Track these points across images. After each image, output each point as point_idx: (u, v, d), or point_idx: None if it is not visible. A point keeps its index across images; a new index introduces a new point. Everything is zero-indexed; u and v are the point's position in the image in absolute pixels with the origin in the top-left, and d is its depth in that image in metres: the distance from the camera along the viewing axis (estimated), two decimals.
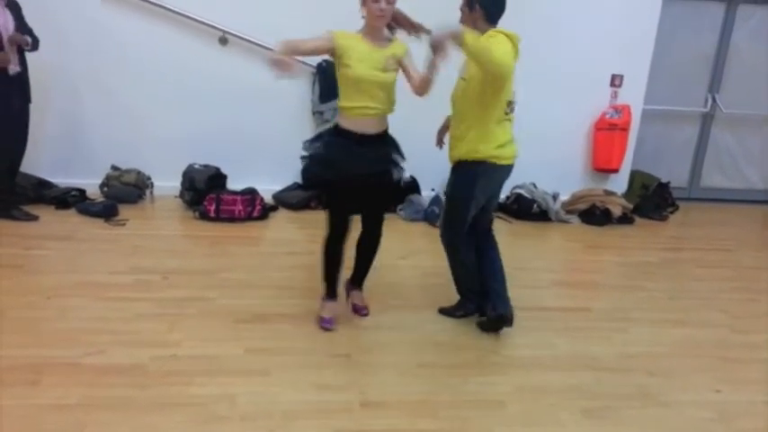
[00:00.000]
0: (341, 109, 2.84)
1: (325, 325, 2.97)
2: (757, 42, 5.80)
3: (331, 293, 3.04)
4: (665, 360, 2.95)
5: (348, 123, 2.81)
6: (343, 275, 3.12)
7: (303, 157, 2.94)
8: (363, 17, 2.78)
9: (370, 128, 2.83)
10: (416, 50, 2.91)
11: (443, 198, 4.89)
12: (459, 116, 2.96)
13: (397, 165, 2.99)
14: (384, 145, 2.94)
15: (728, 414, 2.54)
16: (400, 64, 2.85)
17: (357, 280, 3.19)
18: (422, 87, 2.81)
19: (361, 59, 2.73)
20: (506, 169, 3.03)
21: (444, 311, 3.24)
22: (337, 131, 2.85)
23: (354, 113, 2.79)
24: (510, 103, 2.89)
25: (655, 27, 5.36)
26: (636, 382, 2.73)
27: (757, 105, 5.96)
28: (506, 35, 2.74)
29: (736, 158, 6.13)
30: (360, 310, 3.18)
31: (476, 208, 2.98)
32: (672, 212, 5.57)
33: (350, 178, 2.78)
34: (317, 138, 2.97)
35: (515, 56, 2.76)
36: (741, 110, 5.94)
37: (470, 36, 2.56)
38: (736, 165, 6.15)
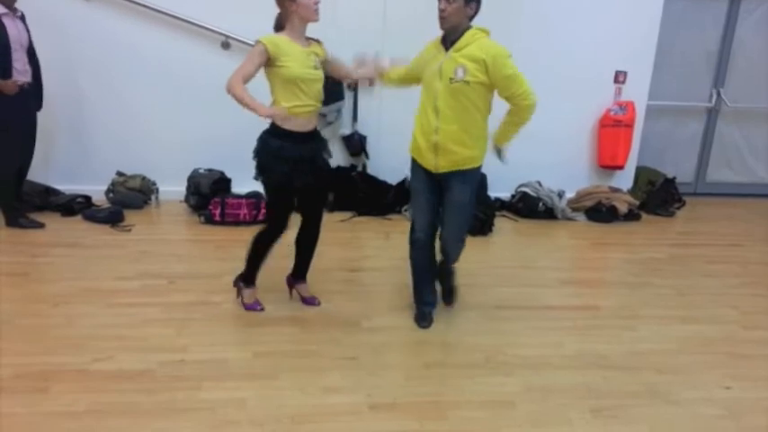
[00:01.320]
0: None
1: (258, 308, 3.15)
2: (761, 36, 5.76)
3: (253, 282, 3.17)
4: (674, 357, 2.93)
5: (289, 124, 2.84)
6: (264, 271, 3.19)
7: (258, 160, 2.96)
8: (284, 14, 2.85)
9: (308, 126, 2.90)
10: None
11: None
12: (461, 121, 2.81)
13: (327, 163, 3.13)
14: (318, 142, 3.03)
15: (738, 411, 2.53)
16: (326, 60, 2.96)
17: (302, 273, 3.29)
18: (352, 76, 3.12)
19: (296, 59, 2.78)
20: None
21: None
22: (277, 133, 2.88)
23: (295, 112, 2.82)
24: None
25: (658, 23, 5.33)
26: (645, 380, 2.72)
27: (762, 99, 5.92)
28: (490, 38, 2.79)
29: (742, 152, 6.09)
30: (312, 301, 3.27)
31: None
32: (678, 208, 5.54)
33: (296, 177, 2.87)
34: (262, 142, 2.98)
35: None
36: (746, 104, 5.91)
37: (500, 140, 2.97)
38: (742, 159, 6.11)
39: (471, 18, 2.77)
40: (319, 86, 2.90)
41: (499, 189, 5.27)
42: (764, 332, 3.25)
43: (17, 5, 4.00)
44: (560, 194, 5.22)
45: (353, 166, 5.20)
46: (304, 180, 2.90)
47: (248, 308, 3.16)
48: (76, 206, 4.57)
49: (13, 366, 2.54)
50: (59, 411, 2.27)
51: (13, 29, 3.93)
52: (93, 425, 2.21)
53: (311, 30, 2.93)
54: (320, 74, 2.89)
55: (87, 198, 4.68)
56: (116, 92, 4.83)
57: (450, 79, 2.72)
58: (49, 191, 4.69)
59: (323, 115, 5.00)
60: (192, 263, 3.79)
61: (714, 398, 2.61)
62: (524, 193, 5.19)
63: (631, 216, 5.20)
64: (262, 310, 3.16)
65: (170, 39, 4.78)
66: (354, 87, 5.06)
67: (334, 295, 3.41)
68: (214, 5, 4.76)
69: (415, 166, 3.01)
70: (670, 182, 5.56)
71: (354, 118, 5.12)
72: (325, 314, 3.17)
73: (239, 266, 3.73)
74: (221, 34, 4.79)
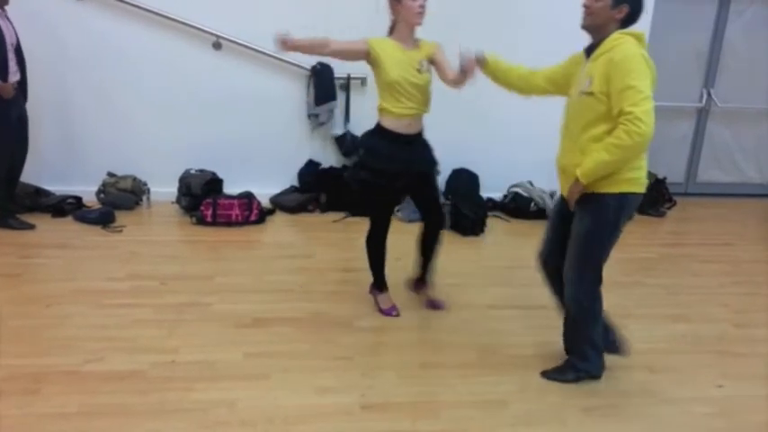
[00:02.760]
0: (382, 110, 2.91)
1: (393, 313, 3.18)
2: (751, 36, 5.80)
3: (383, 286, 3.22)
4: (667, 356, 2.94)
5: (389, 123, 2.89)
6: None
7: (360, 162, 3.00)
8: (395, 18, 2.86)
9: (410, 128, 2.92)
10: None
11: (442, 199, 4.90)
12: (573, 138, 2.45)
13: (435, 165, 3.12)
14: (420, 145, 3.03)
15: (731, 409, 2.54)
16: (434, 61, 2.91)
17: (425, 276, 3.29)
18: (456, 85, 2.89)
19: (396, 63, 2.79)
20: None
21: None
22: (378, 130, 2.93)
23: (396, 114, 2.86)
24: None
25: (648, 24, 5.35)
26: (638, 379, 2.73)
27: (752, 99, 5.96)
28: (635, 44, 2.26)
29: (733, 152, 6.13)
30: (440, 305, 3.29)
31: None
32: (669, 208, 5.57)
33: (395, 178, 2.90)
34: (365, 140, 3.04)
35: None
36: (736, 104, 5.94)
37: (585, 175, 2.31)
38: (732, 159, 6.15)
39: (622, 23, 2.33)
40: (424, 90, 2.90)
41: (491, 189, 5.28)
42: (756, 330, 3.27)
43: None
44: (552, 194, 5.23)
45: (346, 167, 5.19)
46: (404, 182, 2.94)
47: (385, 313, 3.18)
48: (67, 207, 4.53)
49: (4, 368, 2.52)
50: (51, 413, 2.25)
51: (6, 29, 3.90)
52: (85, 426, 2.19)
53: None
54: (426, 77, 2.88)
55: (78, 199, 4.65)
56: (107, 92, 4.81)
57: (580, 91, 2.37)
58: (39, 192, 4.65)
59: (315, 115, 5.00)
60: (184, 264, 3.77)
61: (707, 396, 2.63)
62: (516, 194, 5.20)
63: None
64: (397, 315, 3.17)
65: (161, 39, 4.76)
66: (347, 87, 5.05)
67: (327, 295, 3.40)
68: (206, 5, 4.74)
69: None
70: (660, 182, 5.58)
71: (347, 118, 5.12)
72: (317, 314, 3.16)
73: (231, 267, 3.74)
74: (213, 34, 4.77)
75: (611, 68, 2.23)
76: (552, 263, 2.68)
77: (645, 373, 2.78)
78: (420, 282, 3.32)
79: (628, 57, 2.21)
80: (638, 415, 2.47)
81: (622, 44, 2.26)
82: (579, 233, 2.46)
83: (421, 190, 3.09)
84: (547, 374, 2.69)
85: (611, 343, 2.71)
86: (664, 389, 2.66)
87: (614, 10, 2.29)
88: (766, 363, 2.94)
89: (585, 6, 2.35)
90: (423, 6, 2.78)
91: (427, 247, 3.19)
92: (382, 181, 2.89)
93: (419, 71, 2.85)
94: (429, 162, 3.07)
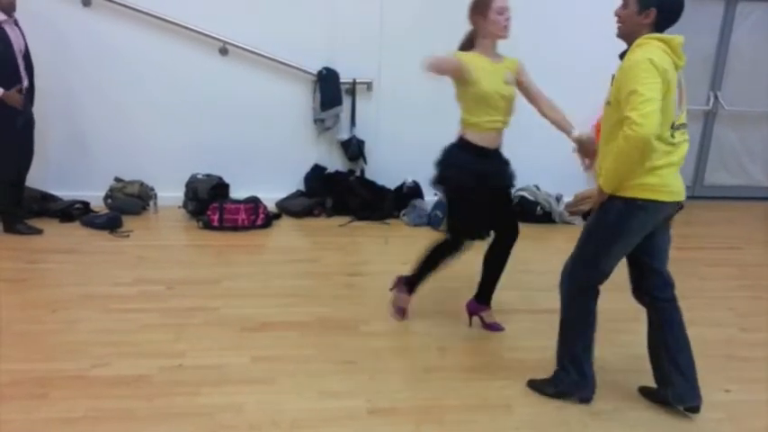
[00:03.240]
0: (469, 124, 2.84)
1: (400, 316, 3.18)
2: (757, 39, 5.79)
3: (414, 290, 3.16)
4: None
5: (476, 137, 2.83)
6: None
7: (442, 170, 2.94)
8: (476, 32, 2.81)
9: (494, 142, 2.88)
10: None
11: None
12: (607, 141, 2.43)
13: (514, 178, 3.12)
14: (502, 160, 3.00)
15: (738, 414, 2.53)
16: (521, 83, 2.90)
17: (487, 297, 3.18)
18: (551, 114, 2.92)
19: (487, 76, 2.74)
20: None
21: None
22: (463, 145, 2.86)
23: (483, 128, 2.81)
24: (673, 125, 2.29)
25: None
26: (643, 382, 2.71)
27: (759, 102, 5.94)
28: (658, 46, 2.21)
29: (740, 155, 6.11)
30: (497, 327, 3.16)
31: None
32: (676, 211, 5.54)
33: (479, 192, 2.84)
34: (448, 154, 2.95)
35: (676, 64, 2.23)
36: (743, 107, 5.92)
37: (604, 185, 2.33)
38: (739, 162, 6.12)
39: (654, 27, 2.27)
40: (511, 102, 2.86)
41: None
42: (763, 334, 3.25)
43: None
44: (558, 198, 5.23)
45: (351, 171, 5.20)
46: (486, 195, 2.88)
47: (396, 311, 3.19)
48: (75, 212, 4.57)
49: (11, 373, 2.53)
50: (57, 417, 2.27)
51: (14, 36, 3.94)
52: (91, 431, 2.20)
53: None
54: (512, 90, 2.84)
55: (85, 204, 4.69)
56: (114, 98, 4.84)
57: (605, 101, 2.40)
58: (47, 197, 4.69)
59: (321, 120, 5.02)
60: (191, 268, 3.78)
61: (713, 401, 2.61)
62: (522, 197, 5.19)
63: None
64: (403, 319, 3.18)
65: (168, 45, 4.80)
66: (352, 92, 5.07)
67: (333, 300, 3.41)
68: (213, 12, 4.77)
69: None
70: None
71: (352, 123, 5.13)
72: (323, 319, 3.17)
73: (237, 271, 3.75)
74: (219, 40, 4.80)
75: (621, 76, 2.24)
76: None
77: (651, 377, 2.77)
78: (483, 301, 3.17)
79: (634, 63, 2.18)
80: (644, 419, 2.46)
81: (636, 50, 2.23)
82: (583, 228, 2.53)
83: (500, 204, 3.01)
84: (531, 383, 2.65)
85: (662, 395, 2.54)
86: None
87: (641, 16, 2.25)
88: None
89: (617, 15, 2.34)
90: (508, 19, 2.75)
91: (499, 263, 3.11)
92: (471, 196, 2.84)
93: (506, 83, 2.82)
94: (510, 176, 3.05)
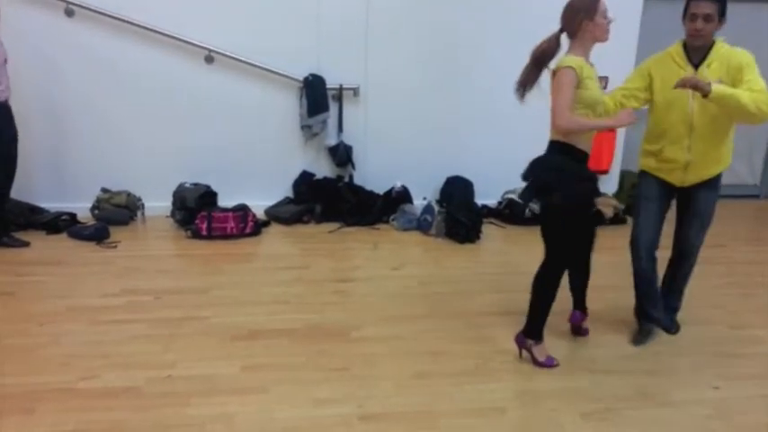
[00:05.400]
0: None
1: (554, 362, 2.84)
2: (737, 39, 5.83)
3: (542, 335, 2.85)
4: (663, 359, 2.95)
5: (583, 143, 2.68)
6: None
7: (571, 185, 2.66)
8: (579, 35, 2.63)
9: (590, 146, 2.76)
10: None
11: (436, 206, 4.92)
12: (711, 135, 2.90)
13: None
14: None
15: (728, 410, 2.54)
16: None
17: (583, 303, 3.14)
18: None
19: (594, 81, 2.64)
20: None
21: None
22: (569, 150, 2.67)
23: (587, 134, 2.69)
24: None
25: (637, 28, 5.41)
26: (635, 382, 2.73)
27: None
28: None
29: None
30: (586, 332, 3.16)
31: None
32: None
33: (593, 200, 2.80)
34: (556, 163, 2.72)
35: None
36: None
37: (718, 88, 2.60)
38: None
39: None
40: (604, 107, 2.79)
41: (486, 196, 5.30)
42: (751, 331, 3.28)
43: None
44: None
45: (340, 177, 5.20)
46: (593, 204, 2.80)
47: (546, 365, 2.82)
48: (61, 224, 4.53)
49: None
50: None
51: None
52: None
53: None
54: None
55: (72, 215, 4.65)
56: (100, 108, 4.82)
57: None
58: (33, 209, 4.65)
59: (308, 126, 5.02)
60: (179, 278, 3.76)
61: (703, 398, 2.63)
62: (511, 200, 5.21)
63: (617, 220, 5.24)
64: (557, 365, 2.83)
65: (154, 54, 4.78)
66: (339, 98, 5.08)
67: (323, 306, 3.40)
68: (198, 20, 4.76)
69: (649, 178, 3.02)
70: None
71: (340, 128, 5.13)
72: (314, 326, 3.16)
73: (227, 280, 3.73)
74: (205, 48, 4.79)
75: (735, 70, 2.77)
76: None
77: (642, 376, 2.79)
78: (582, 309, 3.12)
79: (751, 59, 2.81)
80: (636, 418, 2.47)
81: (726, 48, 2.87)
82: (707, 209, 3.09)
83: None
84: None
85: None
86: (661, 391, 2.66)
87: (720, 24, 2.81)
88: (762, 363, 2.95)
89: (698, 29, 2.76)
90: (610, 23, 2.69)
91: (587, 268, 3.05)
92: (586, 204, 2.75)
93: (601, 88, 2.76)
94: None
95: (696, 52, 2.81)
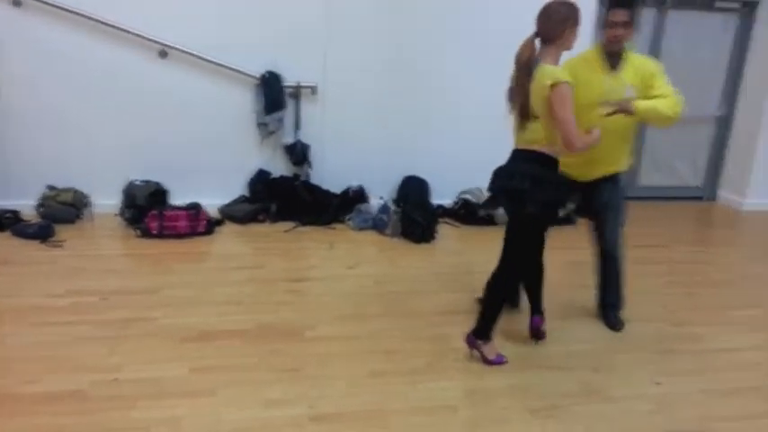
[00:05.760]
0: (550, 140, 2.70)
1: (504, 360, 2.89)
2: (686, 46, 6.07)
3: (490, 335, 2.89)
4: (608, 356, 3.04)
5: (554, 152, 2.72)
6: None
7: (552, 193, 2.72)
8: (557, 43, 2.62)
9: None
10: None
11: (392, 206, 4.94)
12: (620, 136, 3.10)
13: None
14: None
15: (668, 405, 2.64)
16: None
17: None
18: None
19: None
20: None
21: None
22: (548, 161, 2.72)
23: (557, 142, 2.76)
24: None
25: (589, 37, 5.53)
26: (581, 379, 2.81)
27: (688, 106, 6.22)
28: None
29: (671, 157, 6.38)
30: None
31: None
32: None
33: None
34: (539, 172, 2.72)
35: None
36: None
37: (640, 105, 2.92)
38: (670, 163, 6.40)
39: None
40: None
41: (441, 196, 5.35)
42: (690, 328, 3.41)
43: None
44: None
45: (296, 176, 5.17)
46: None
47: (495, 362, 2.86)
48: (4, 221, 4.35)
49: None
50: None
51: None
52: None
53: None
54: None
55: (15, 213, 4.47)
56: (46, 102, 4.65)
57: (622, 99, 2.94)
58: None
59: (264, 124, 4.96)
60: (127, 278, 3.67)
61: (646, 394, 2.72)
62: (465, 200, 5.28)
63: (567, 220, 5.36)
64: (506, 362, 2.89)
65: (105, 47, 4.64)
66: (296, 96, 5.04)
67: (277, 306, 3.37)
68: (152, 13, 4.64)
69: None
70: None
71: (297, 127, 5.10)
72: (266, 326, 3.13)
73: (177, 280, 3.66)
74: (158, 43, 4.68)
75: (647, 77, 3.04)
76: None
77: (588, 372, 2.87)
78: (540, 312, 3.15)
79: (653, 65, 3.10)
80: (581, 414, 2.54)
81: (634, 56, 3.09)
82: (613, 204, 3.25)
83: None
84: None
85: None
86: (605, 388, 2.74)
87: (632, 28, 2.98)
88: (701, 359, 3.07)
89: (616, 36, 2.95)
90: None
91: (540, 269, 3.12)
92: (557, 211, 2.87)
93: None
94: None
95: (612, 58, 3.01)
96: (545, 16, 2.62)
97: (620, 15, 2.90)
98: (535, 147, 2.69)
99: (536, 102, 2.61)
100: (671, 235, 5.26)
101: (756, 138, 6.04)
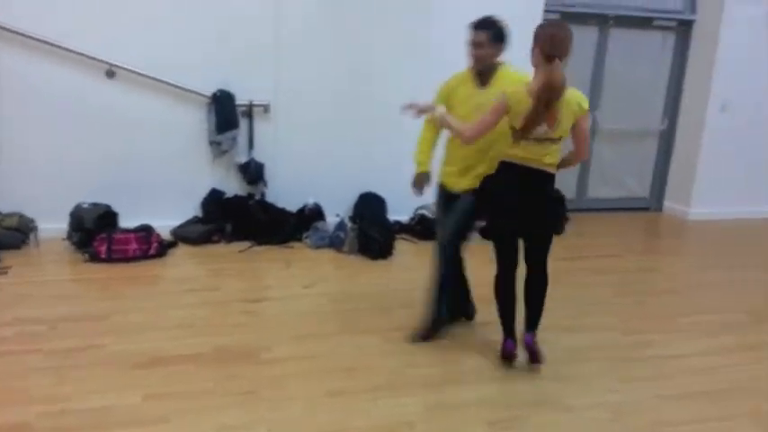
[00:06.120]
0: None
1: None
2: (628, 63, 6.30)
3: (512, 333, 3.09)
4: (566, 365, 3.08)
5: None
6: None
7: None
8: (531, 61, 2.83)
9: None
10: None
11: (349, 223, 4.93)
12: (484, 151, 3.11)
13: None
14: None
15: (624, 412, 2.70)
16: None
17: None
18: None
19: None
20: None
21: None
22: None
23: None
24: None
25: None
26: (540, 389, 2.84)
27: (631, 120, 6.46)
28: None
29: (618, 169, 6.59)
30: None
31: None
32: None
33: None
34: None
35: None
36: (618, 125, 6.41)
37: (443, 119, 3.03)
38: (617, 175, 6.60)
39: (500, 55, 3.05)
40: None
41: (398, 212, 5.36)
42: (642, 336, 3.50)
43: None
44: None
45: (251, 195, 5.11)
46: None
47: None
48: None
49: None
50: None
51: None
52: None
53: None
54: None
55: None
56: None
57: None
58: None
59: (217, 143, 4.90)
60: (76, 304, 3.54)
61: (604, 402, 2.78)
62: (422, 216, 5.31)
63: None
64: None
65: (50, 67, 4.50)
66: (249, 114, 5.00)
67: (232, 328, 3.30)
68: (98, 32, 4.54)
69: (442, 191, 3.37)
70: None
71: (250, 145, 5.05)
72: (221, 349, 3.06)
73: (128, 305, 3.55)
74: (105, 62, 4.58)
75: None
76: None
77: (547, 382, 2.91)
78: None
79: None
80: (539, 424, 2.57)
81: (510, 73, 3.12)
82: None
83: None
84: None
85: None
86: (564, 397, 2.78)
87: (496, 49, 3.04)
88: (654, 365, 3.16)
89: (476, 55, 3.03)
90: None
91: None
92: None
93: None
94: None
95: (481, 76, 3.08)
96: (565, 42, 2.74)
97: (476, 36, 2.98)
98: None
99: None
100: (620, 245, 5.41)
101: (698, 150, 6.29)
